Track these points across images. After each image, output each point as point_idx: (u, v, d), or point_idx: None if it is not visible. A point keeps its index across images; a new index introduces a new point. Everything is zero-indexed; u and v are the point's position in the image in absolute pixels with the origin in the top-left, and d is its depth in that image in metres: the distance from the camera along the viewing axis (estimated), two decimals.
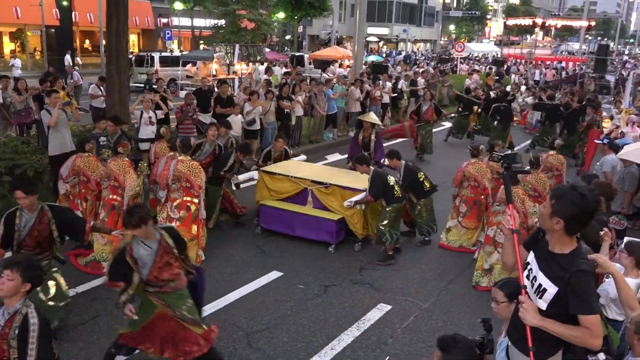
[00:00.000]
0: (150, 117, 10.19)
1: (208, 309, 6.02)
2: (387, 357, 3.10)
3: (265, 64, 23.65)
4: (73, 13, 33.77)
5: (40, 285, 3.58)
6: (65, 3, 32.59)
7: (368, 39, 53.46)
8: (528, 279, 3.13)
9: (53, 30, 31.85)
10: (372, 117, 10.34)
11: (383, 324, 5.96)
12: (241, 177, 8.36)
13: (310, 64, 30.79)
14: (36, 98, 11.84)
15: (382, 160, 8.93)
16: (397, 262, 7.60)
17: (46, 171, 8.83)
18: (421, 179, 7.97)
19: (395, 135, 13.32)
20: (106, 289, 6.30)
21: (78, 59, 31.27)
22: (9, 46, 33.93)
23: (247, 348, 5.38)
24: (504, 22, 69.00)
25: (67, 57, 28.33)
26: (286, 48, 45.22)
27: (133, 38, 39.46)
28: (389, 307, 6.32)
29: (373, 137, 9.71)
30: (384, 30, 59.95)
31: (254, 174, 8.51)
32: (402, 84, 18.51)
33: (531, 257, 3.17)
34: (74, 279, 6.57)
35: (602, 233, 4.48)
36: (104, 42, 24.47)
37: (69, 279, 6.49)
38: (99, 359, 5.04)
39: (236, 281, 6.78)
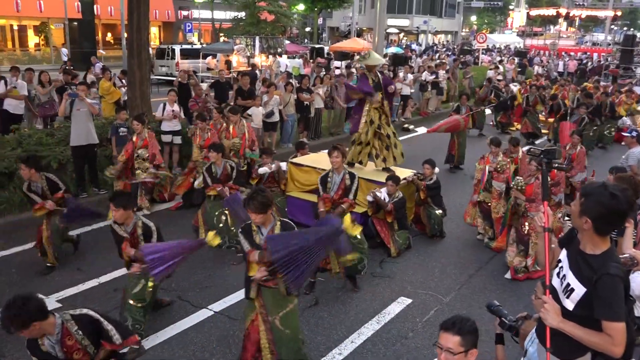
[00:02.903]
0: (173, 111, 10.22)
1: (230, 300, 6.07)
2: None
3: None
4: (95, 6, 34.06)
5: None
6: None
7: (388, 30, 53.05)
8: (558, 277, 3.05)
9: (75, 23, 32.18)
10: (374, 57, 8.95)
11: (404, 318, 5.93)
12: (261, 170, 8.40)
13: (329, 55, 30.67)
14: (59, 90, 11.99)
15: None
16: (417, 255, 7.56)
17: (69, 162, 8.95)
18: (442, 197, 8.30)
19: (450, 128, 12.10)
20: (128, 280, 6.38)
21: (102, 51, 31.58)
22: (33, 39, 34.37)
23: None
24: (527, 13, 68.03)
25: (64, 50, 28.87)
26: (305, 40, 45.11)
27: (154, 31, 39.73)
28: (410, 300, 6.29)
29: (379, 75, 8.60)
30: (404, 22, 59.40)
31: (282, 164, 8.55)
32: (426, 76, 18.35)
33: (564, 254, 3.09)
34: (98, 270, 6.67)
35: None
36: (125, 35, 24.78)
37: (92, 270, 6.64)
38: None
39: None
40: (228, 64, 16.99)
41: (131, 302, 5.18)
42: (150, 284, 5.20)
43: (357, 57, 8.87)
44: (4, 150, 8.59)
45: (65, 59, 26.48)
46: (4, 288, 6.13)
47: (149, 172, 8.35)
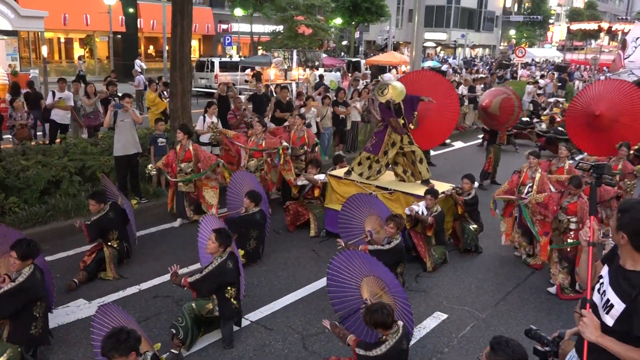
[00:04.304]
0: (213, 122, 10.42)
1: (266, 310, 6.15)
2: None
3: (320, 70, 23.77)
4: (138, 20, 35.12)
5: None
6: (131, 10, 34.02)
7: (425, 44, 52.95)
8: (599, 293, 3.05)
9: (119, 36, 33.17)
10: (395, 92, 8.07)
11: (439, 333, 5.89)
12: (299, 182, 8.55)
13: (366, 69, 30.79)
14: (104, 101, 12.38)
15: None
16: (453, 271, 7.51)
17: (113, 171, 9.21)
18: (479, 212, 8.21)
19: (506, 104, 11.27)
20: (168, 287, 6.53)
21: (142, 64, 32.40)
22: (78, 52, 35.52)
23: (303, 351, 5.44)
24: (568, 27, 66.94)
25: (138, 61, 29.70)
26: (342, 54, 45.35)
27: (194, 44, 40.52)
28: (445, 315, 6.25)
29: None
30: (441, 36, 59.27)
31: (321, 176, 8.66)
32: (462, 89, 18.25)
33: (605, 270, 3.09)
34: (138, 277, 6.84)
35: None
36: (167, 47, 25.40)
37: (133, 277, 6.81)
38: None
39: (292, 284, 6.86)
40: (256, 76, 17.22)
41: (193, 305, 5.34)
42: (209, 306, 5.38)
43: (374, 89, 8.55)
44: (52, 158, 8.90)
45: (139, 69, 27.37)
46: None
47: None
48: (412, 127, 8.29)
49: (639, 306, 2.76)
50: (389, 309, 4.41)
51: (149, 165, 8.91)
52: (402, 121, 8.17)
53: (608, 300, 2.93)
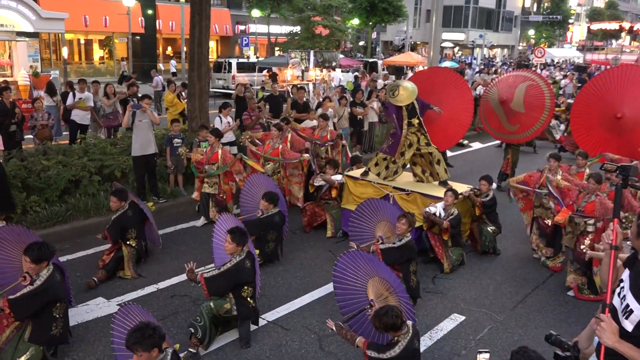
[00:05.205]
0: (229, 123, 10.48)
1: (283, 310, 6.16)
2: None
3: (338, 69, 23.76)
4: (157, 21, 35.44)
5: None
6: (150, 12, 34.35)
7: (442, 44, 52.66)
8: (619, 297, 3.00)
9: (138, 37, 33.50)
10: (406, 94, 8.05)
11: (456, 335, 5.86)
12: (316, 182, 8.58)
13: (383, 70, 30.70)
14: (123, 102, 12.50)
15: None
16: (470, 272, 7.45)
17: (131, 171, 9.30)
18: (497, 213, 8.15)
19: (526, 115, 10.25)
20: (185, 286, 6.57)
21: (161, 65, 32.71)
22: (98, 53, 35.94)
23: (319, 351, 5.44)
24: (588, 27, 66.16)
25: (173, 62, 30.22)
26: (359, 54, 45.27)
27: (212, 45, 40.71)
28: (463, 317, 6.21)
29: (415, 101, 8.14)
30: (459, 36, 58.88)
31: (338, 177, 8.67)
32: (480, 90, 18.10)
33: (626, 274, 3.04)
34: (156, 276, 6.90)
35: None
36: (185, 49, 25.56)
37: (151, 276, 6.87)
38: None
39: (308, 285, 6.86)
40: (273, 77, 17.25)
41: (211, 304, 5.35)
42: (227, 305, 5.40)
43: (385, 91, 8.40)
44: (72, 158, 9.00)
45: (174, 70, 27.76)
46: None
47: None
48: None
49: None
50: (397, 310, 4.39)
51: (182, 148, 9.06)
52: (417, 121, 8.14)
53: (628, 305, 2.89)
